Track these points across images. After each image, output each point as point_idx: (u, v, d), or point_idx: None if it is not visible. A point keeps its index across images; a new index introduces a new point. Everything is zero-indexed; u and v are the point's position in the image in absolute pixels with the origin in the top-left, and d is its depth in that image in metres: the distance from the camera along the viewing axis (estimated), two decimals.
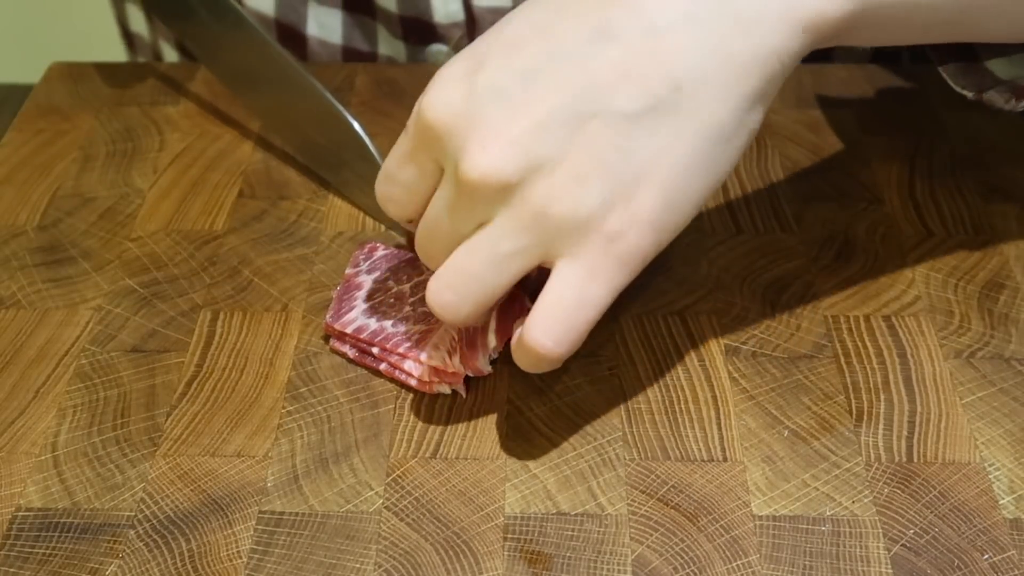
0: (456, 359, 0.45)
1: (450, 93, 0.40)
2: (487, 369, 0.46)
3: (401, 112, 0.61)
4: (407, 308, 0.47)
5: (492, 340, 0.45)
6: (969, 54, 0.48)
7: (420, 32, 0.66)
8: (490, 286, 0.40)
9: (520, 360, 0.41)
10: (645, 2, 0.39)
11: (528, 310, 0.43)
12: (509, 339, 0.44)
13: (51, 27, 1.79)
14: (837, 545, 0.41)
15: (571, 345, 0.40)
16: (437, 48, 0.67)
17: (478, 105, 0.39)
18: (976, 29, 0.44)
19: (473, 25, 0.65)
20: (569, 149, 0.38)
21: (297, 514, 0.42)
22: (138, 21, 0.77)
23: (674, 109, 0.38)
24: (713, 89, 0.38)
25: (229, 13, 0.55)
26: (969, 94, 0.48)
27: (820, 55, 0.45)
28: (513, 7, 0.64)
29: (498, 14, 0.65)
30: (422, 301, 0.47)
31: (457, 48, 0.66)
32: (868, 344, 0.48)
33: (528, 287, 0.46)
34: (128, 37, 0.80)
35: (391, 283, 0.49)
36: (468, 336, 0.45)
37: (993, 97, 0.48)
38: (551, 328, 0.39)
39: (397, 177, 0.43)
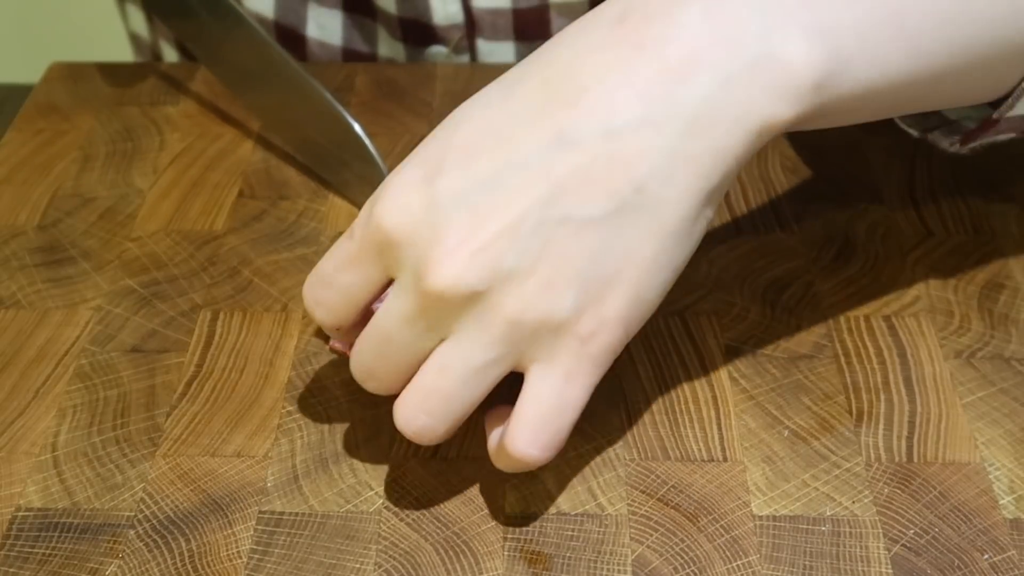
0: None
1: (408, 200, 0.39)
2: None
3: (401, 112, 0.61)
4: None
5: None
6: None
7: (419, 33, 0.66)
8: (466, 402, 0.40)
9: (502, 465, 0.41)
10: (598, 105, 0.38)
11: None
12: None
13: (51, 27, 1.79)
14: (837, 545, 0.41)
15: (557, 449, 0.40)
16: (436, 49, 0.67)
17: (440, 213, 0.38)
18: (932, 101, 0.44)
19: (472, 26, 0.65)
20: (537, 256, 0.38)
21: (297, 514, 0.42)
22: (138, 21, 0.77)
23: (638, 210, 0.38)
24: (675, 188, 0.38)
25: (229, 13, 0.55)
26: (914, 132, 0.48)
27: None
28: (512, 9, 0.65)
29: (497, 15, 0.65)
30: None
31: (457, 50, 0.66)
32: (868, 344, 0.48)
33: None
34: (128, 37, 0.80)
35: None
36: None
37: (937, 138, 0.48)
38: (536, 437, 0.39)
39: (334, 281, 0.41)
